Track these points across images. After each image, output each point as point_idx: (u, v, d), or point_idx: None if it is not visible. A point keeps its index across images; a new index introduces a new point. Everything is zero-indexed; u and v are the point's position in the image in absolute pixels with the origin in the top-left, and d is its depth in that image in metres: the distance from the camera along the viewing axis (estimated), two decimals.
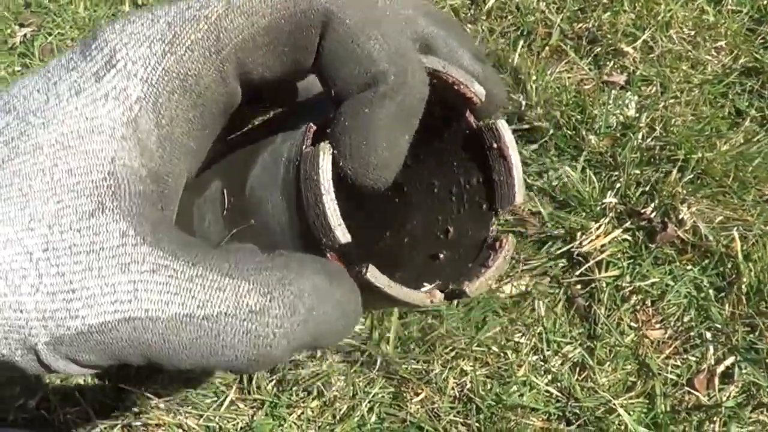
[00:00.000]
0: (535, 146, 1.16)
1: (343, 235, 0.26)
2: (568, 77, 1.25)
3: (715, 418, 0.96)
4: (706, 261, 1.06)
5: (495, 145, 0.31)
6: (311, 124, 0.28)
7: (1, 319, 0.22)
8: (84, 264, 0.22)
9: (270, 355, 0.22)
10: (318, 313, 0.23)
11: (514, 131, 1.19)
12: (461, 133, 0.33)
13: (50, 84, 0.24)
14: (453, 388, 1.05)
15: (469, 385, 1.02)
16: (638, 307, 1.04)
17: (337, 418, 1.01)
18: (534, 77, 1.22)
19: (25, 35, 1.41)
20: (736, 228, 1.04)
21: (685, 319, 1.04)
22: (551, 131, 1.15)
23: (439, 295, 0.28)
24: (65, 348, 0.22)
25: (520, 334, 1.06)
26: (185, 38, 0.24)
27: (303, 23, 0.25)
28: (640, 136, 1.14)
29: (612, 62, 1.24)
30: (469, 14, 1.37)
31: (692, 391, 0.99)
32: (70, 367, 0.23)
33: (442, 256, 0.34)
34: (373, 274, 0.26)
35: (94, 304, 0.21)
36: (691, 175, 1.09)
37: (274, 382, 1.04)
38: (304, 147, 0.27)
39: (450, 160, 0.35)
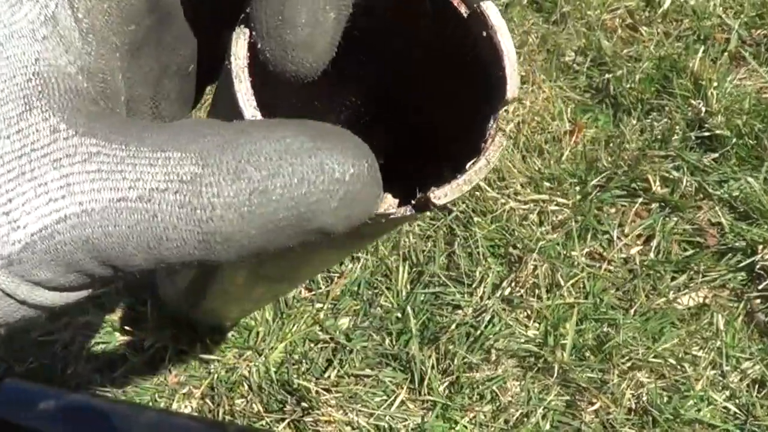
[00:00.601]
0: (715, 155, 1.46)
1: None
2: (749, 84, 1.56)
3: None
4: None
5: (484, 34, 0.36)
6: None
7: None
8: (17, 170, 0.26)
9: (221, 233, 0.25)
10: (288, 180, 0.25)
11: (695, 138, 1.61)
12: (451, 24, 0.38)
13: None
14: (629, 399, 1.30)
15: (645, 397, 1.29)
16: None
17: (510, 423, 1.28)
18: (714, 83, 1.52)
19: None
20: None
21: None
22: (733, 140, 1.46)
23: (391, 201, 0.31)
24: (17, 267, 0.26)
25: (698, 347, 1.34)
26: None
27: None
28: None
29: None
30: (644, 16, 1.70)
31: None
32: (38, 293, 0.28)
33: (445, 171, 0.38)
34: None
35: (31, 210, 0.26)
36: None
37: (446, 384, 1.32)
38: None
39: (442, 56, 0.41)
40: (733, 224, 1.42)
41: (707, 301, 1.38)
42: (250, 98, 0.31)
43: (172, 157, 0.26)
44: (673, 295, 1.38)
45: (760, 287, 1.37)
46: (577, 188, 1.46)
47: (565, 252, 1.41)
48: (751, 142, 1.45)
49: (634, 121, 1.53)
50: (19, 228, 0.26)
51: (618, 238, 1.43)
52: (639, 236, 1.44)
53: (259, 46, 0.31)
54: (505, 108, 0.38)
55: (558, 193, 1.45)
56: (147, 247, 0.26)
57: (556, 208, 1.44)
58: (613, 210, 1.46)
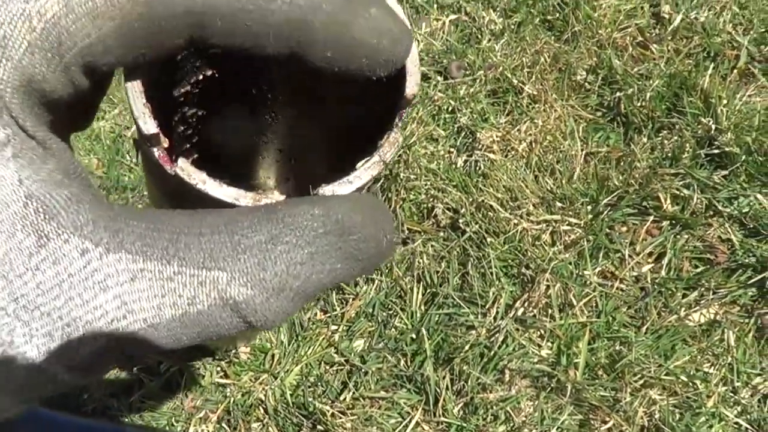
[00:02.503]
0: (725, 172, 1.54)
1: (144, 125, 0.34)
2: (758, 101, 1.63)
3: None
4: None
5: None
6: None
7: (20, 377, 0.30)
8: (63, 297, 0.29)
9: (269, 323, 0.32)
10: (318, 271, 0.32)
11: (705, 156, 1.70)
12: None
13: None
14: (642, 417, 1.37)
15: (658, 415, 1.37)
16: None
17: None
18: (724, 101, 1.60)
19: None
20: None
21: None
22: (743, 157, 1.53)
23: (276, 196, 0.35)
24: (81, 373, 0.31)
25: (709, 364, 1.41)
26: (20, 41, 0.31)
27: (163, 29, 0.33)
28: None
29: None
30: (654, 33, 1.79)
31: None
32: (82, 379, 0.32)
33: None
34: (186, 170, 0.34)
35: (92, 331, 0.30)
36: None
37: (461, 405, 1.40)
38: None
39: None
40: (743, 241, 1.50)
41: (718, 317, 1.47)
42: (140, 99, 0.36)
43: (221, 278, 0.31)
44: (685, 312, 1.47)
45: None
46: (589, 207, 1.55)
47: (577, 271, 1.50)
48: (760, 158, 1.54)
49: (645, 139, 1.62)
50: (80, 346, 0.31)
51: (630, 256, 1.52)
52: (650, 254, 1.53)
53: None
54: (408, 107, 0.40)
55: (570, 212, 1.55)
56: (197, 337, 0.32)
57: (568, 227, 1.54)
58: (624, 228, 1.55)
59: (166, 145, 0.36)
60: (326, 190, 0.36)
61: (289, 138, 0.57)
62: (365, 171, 0.38)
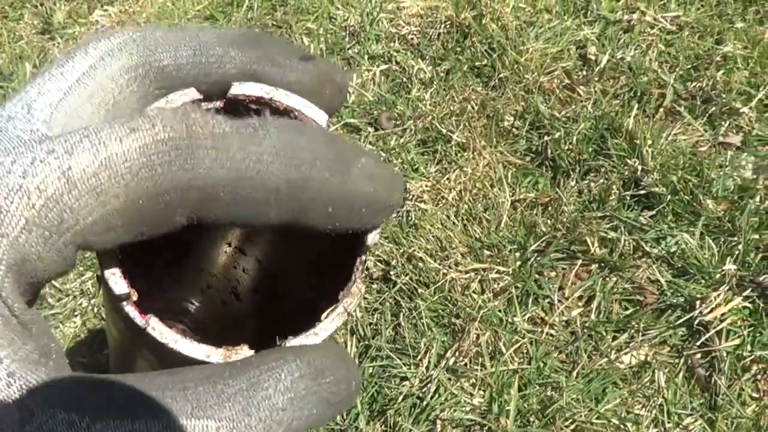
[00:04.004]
0: (652, 212, 1.59)
1: (115, 285, 0.36)
2: (684, 139, 1.69)
3: None
4: None
5: None
6: None
7: None
8: None
9: None
10: (297, 417, 0.34)
11: (632, 197, 1.73)
12: None
13: None
14: None
15: None
16: (759, 377, 1.43)
17: None
18: (650, 141, 1.65)
19: None
20: None
21: None
22: (668, 197, 1.59)
23: (245, 351, 0.37)
24: None
25: (640, 406, 1.45)
26: (18, 217, 0.31)
27: (168, 204, 0.35)
28: (757, 198, 1.56)
29: (727, 122, 1.69)
30: (581, 75, 1.86)
31: None
32: None
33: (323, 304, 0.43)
34: (158, 329, 0.36)
35: None
36: None
37: None
38: None
39: None
40: (671, 281, 1.56)
41: (648, 358, 1.53)
42: (113, 262, 0.37)
43: (209, 427, 0.33)
44: (615, 355, 1.53)
45: (699, 342, 1.52)
46: (517, 254, 1.62)
47: (507, 318, 1.56)
48: (686, 197, 1.61)
49: (573, 183, 1.69)
50: None
51: (559, 301, 1.58)
52: (580, 298, 1.59)
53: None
54: (368, 254, 0.43)
55: (498, 260, 1.61)
56: None
57: (497, 275, 1.60)
58: (553, 273, 1.62)
59: (135, 298, 0.37)
60: (294, 342, 0.38)
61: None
62: (330, 323, 0.40)
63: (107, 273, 0.36)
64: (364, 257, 0.43)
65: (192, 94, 0.41)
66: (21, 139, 0.35)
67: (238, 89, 0.41)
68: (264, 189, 0.37)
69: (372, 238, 0.42)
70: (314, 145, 0.38)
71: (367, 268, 1.69)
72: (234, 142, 0.36)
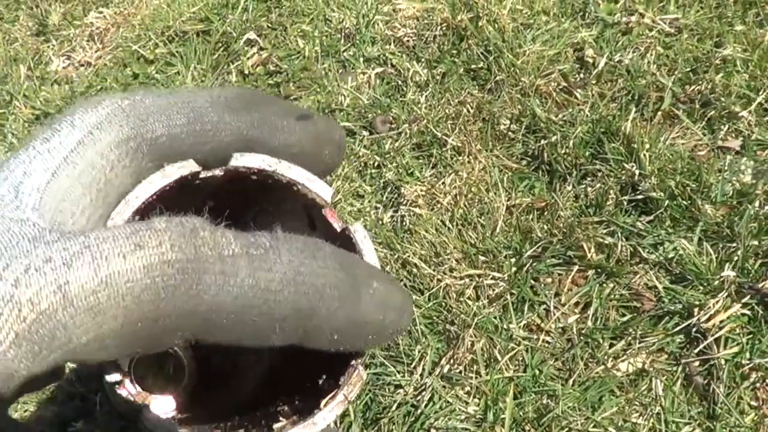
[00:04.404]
0: (649, 218, 1.57)
1: (109, 375, 0.36)
2: (682, 143, 1.67)
3: None
4: None
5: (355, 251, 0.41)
6: None
7: None
8: None
9: None
10: None
11: (629, 202, 1.74)
12: (328, 236, 0.42)
13: None
14: None
15: None
16: (758, 385, 1.42)
17: None
18: (647, 145, 1.63)
19: None
20: None
21: None
22: (666, 202, 1.57)
23: None
24: None
25: (637, 414, 1.43)
26: (6, 329, 0.29)
27: (167, 328, 0.33)
28: (756, 204, 1.54)
29: (726, 126, 1.68)
30: (578, 78, 1.84)
31: None
32: None
33: (321, 382, 0.43)
34: (152, 419, 0.36)
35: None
36: None
37: None
38: None
39: None
40: (669, 287, 1.55)
41: (646, 366, 1.51)
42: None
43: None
44: (612, 362, 1.51)
45: (697, 350, 1.50)
46: (513, 260, 1.60)
47: (502, 325, 1.55)
48: (684, 202, 1.59)
49: (569, 188, 1.67)
50: None
51: (555, 307, 1.56)
52: (576, 304, 1.57)
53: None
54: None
55: (493, 266, 1.59)
56: None
57: (492, 281, 1.58)
58: (549, 280, 1.60)
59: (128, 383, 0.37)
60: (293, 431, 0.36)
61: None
62: (330, 412, 0.39)
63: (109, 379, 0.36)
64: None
65: (190, 166, 0.40)
66: (12, 234, 0.32)
67: (239, 161, 0.41)
68: (270, 318, 0.36)
69: None
70: (326, 270, 0.36)
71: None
72: (243, 266, 0.34)
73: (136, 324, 0.33)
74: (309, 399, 0.42)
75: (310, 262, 0.36)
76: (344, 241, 0.42)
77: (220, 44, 2.07)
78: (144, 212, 0.38)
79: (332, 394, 0.40)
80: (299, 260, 0.35)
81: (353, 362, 0.41)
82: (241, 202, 0.43)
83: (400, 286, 0.40)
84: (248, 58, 2.00)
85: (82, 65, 2.15)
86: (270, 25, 2.07)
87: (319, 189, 0.42)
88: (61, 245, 0.32)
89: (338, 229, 0.43)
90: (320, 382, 0.43)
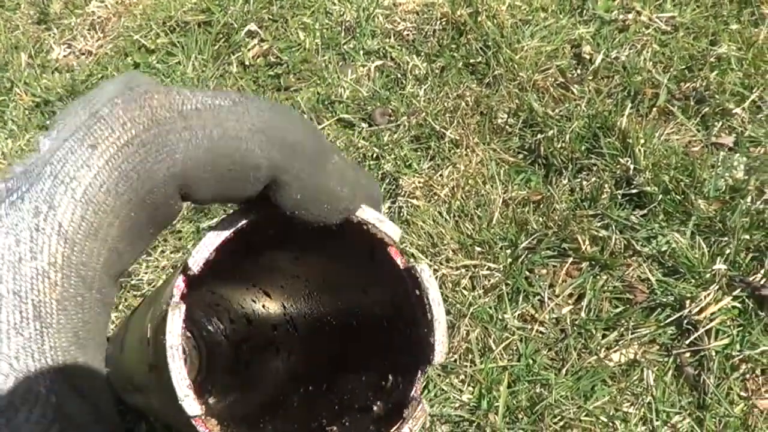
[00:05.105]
0: (643, 211, 1.61)
1: (190, 407, 0.36)
2: (676, 139, 1.71)
3: None
4: None
5: (417, 293, 0.43)
6: (178, 277, 0.40)
7: None
8: None
9: None
10: None
11: (623, 196, 1.77)
12: (389, 271, 0.44)
13: None
14: None
15: None
16: (748, 376, 1.46)
17: None
18: (642, 140, 1.67)
19: None
20: None
21: None
22: (660, 196, 1.60)
23: None
24: None
25: (628, 404, 1.47)
26: (50, 303, 0.32)
27: (159, 202, 0.36)
28: (749, 199, 1.58)
29: (720, 123, 1.71)
30: (575, 74, 1.87)
31: None
32: None
33: (375, 408, 0.45)
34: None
35: None
36: None
37: None
38: (164, 304, 0.39)
39: (384, 299, 0.48)
40: (662, 280, 1.58)
41: (638, 357, 1.55)
42: (184, 379, 0.37)
43: None
44: (604, 353, 1.55)
45: (688, 341, 1.54)
46: (508, 251, 1.64)
47: (497, 315, 1.58)
48: (678, 197, 1.63)
49: (565, 181, 1.71)
50: None
51: (549, 298, 1.60)
52: (570, 295, 1.61)
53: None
54: (426, 371, 0.44)
55: (489, 257, 1.63)
56: None
57: (488, 272, 1.62)
58: (544, 271, 1.64)
59: (202, 411, 0.38)
60: None
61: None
62: None
63: (180, 393, 0.37)
64: (426, 370, 0.43)
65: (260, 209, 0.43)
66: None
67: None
68: (244, 166, 0.38)
69: (439, 356, 0.43)
70: (298, 129, 0.39)
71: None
72: (209, 118, 0.36)
73: (130, 215, 0.35)
74: (359, 423, 0.44)
75: (282, 118, 0.38)
76: (407, 278, 0.44)
77: (221, 35, 2.10)
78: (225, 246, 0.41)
79: (396, 426, 0.41)
80: (269, 115, 0.37)
81: (416, 394, 0.42)
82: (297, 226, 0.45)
83: (361, 168, 0.42)
84: (249, 50, 2.03)
85: (83, 54, 2.18)
86: (271, 17, 2.10)
87: (389, 229, 0.44)
88: (40, 189, 0.34)
89: (401, 266, 0.45)
90: (374, 408, 0.45)
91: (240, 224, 0.42)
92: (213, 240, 0.41)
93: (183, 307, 0.38)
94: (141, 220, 0.37)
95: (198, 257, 0.40)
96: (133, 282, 1.72)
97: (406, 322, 0.45)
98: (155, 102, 0.35)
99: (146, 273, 1.73)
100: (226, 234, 0.41)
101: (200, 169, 0.37)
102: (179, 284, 0.40)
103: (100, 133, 0.34)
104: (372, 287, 0.50)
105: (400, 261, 0.44)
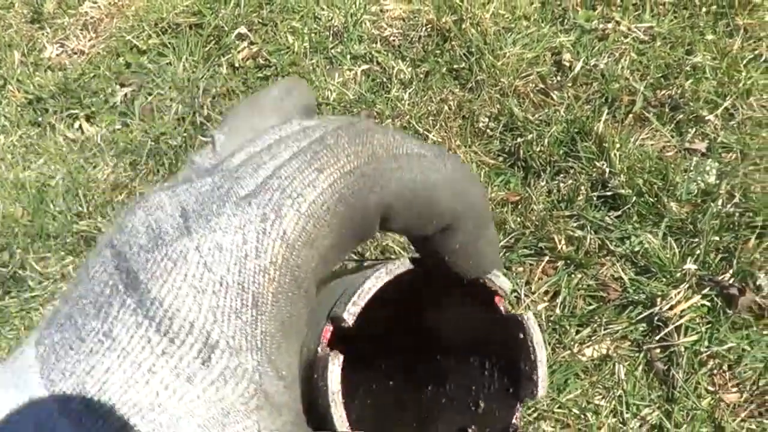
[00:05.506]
0: (617, 213, 1.67)
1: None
2: (651, 144, 1.77)
3: None
4: None
5: (521, 336, 0.48)
6: (328, 326, 0.44)
7: None
8: None
9: None
10: None
11: (598, 198, 1.84)
12: (491, 316, 0.50)
13: (144, 371, 0.36)
14: None
15: None
16: (715, 371, 1.53)
17: None
18: (618, 145, 1.74)
19: (125, 95, 2.06)
20: None
21: (761, 383, 1.52)
22: (634, 198, 1.67)
23: None
24: None
25: (600, 397, 1.54)
26: (266, 294, 0.38)
27: (364, 222, 0.41)
28: (720, 202, 1.64)
29: (694, 129, 1.78)
30: (555, 81, 1.94)
31: None
32: None
33: (470, 430, 0.50)
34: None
35: None
36: None
37: None
38: (318, 348, 0.44)
39: (483, 338, 0.53)
40: (634, 278, 1.65)
41: (610, 352, 1.61)
42: (344, 421, 0.41)
43: None
44: (577, 348, 1.61)
45: (658, 338, 1.60)
46: None
47: None
48: (651, 199, 1.70)
49: (543, 183, 1.78)
50: None
51: (525, 295, 1.67)
52: (546, 293, 1.68)
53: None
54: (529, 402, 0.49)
55: None
56: None
57: None
58: (520, 269, 1.71)
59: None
60: None
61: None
62: None
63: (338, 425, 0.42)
64: (520, 408, 0.49)
65: (407, 264, 0.48)
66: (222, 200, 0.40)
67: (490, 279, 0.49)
68: (431, 212, 0.44)
69: (542, 390, 0.47)
70: (476, 191, 0.45)
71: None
72: (415, 165, 0.43)
73: (341, 232, 0.41)
74: None
75: (467, 177, 0.45)
76: (511, 323, 0.50)
77: (212, 37, 2.17)
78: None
79: None
80: (460, 173, 0.44)
81: (516, 422, 0.48)
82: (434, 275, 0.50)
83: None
84: (239, 52, 2.10)
85: (76, 53, 2.24)
86: (261, 20, 2.17)
87: (503, 284, 0.50)
88: (266, 198, 0.40)
89: (503, 312, 0.51)
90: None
91: (400, 272, 0.48)
92: (373, 288, 0.47)
93: (341, 356, 0.44)
94: (348, 236, 0.42)
95: (354, 309, 0.46)
96: None
97: (506, 359, 0.52)
98: (375, 141, 0.41)
99: None
100: (385, 280, 0.48)
101: (401, 205, 0.43)
102: (327, 335, 0.46)
103: (326, 159, 0.40)
104: (477, 328, 0.56)
105: (502, 308, 0.51)
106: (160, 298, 0.38)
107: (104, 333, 0.38)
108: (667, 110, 1.84)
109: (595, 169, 1.74)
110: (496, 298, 0.50)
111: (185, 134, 2.03)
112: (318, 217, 0.40)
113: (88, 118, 2.10)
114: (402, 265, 0.47)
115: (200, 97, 2.07)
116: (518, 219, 1.71)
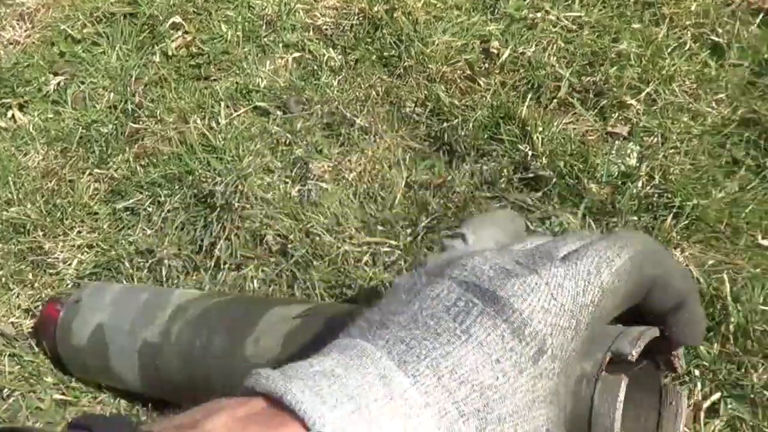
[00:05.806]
0: (538, 194, 1.71)
1: None
2: (574, 128, 1.81)
3: None
4: None
5: (672, 403, 0.64)
6: (608, 355, 0.60)
7: None
8: None
9: None
10: None
11: (520, 180, 1.88)
12: (657, 379, 0.66)
13: (492, 361, 0.51)
14: None
15: None
16: None
17: None
18: (540, 128, 1.78)
19: (58, 83, 2.08)
20: (726, 271, 1.54)
21: None
22: (554, 180, 1.71)
23: None
24: None
25: None
26: (583, 322, 0.54)
27: (644, 285, 0.61)
28: (639, 184, 1.68)
29: (616, 114, 1.83)
30: (483, 68, 1.97)
31: None
32: None
33: None
34: None
35: None
36: (686, 221, 1.63)
37: None
38: (597, 372, 0.59)
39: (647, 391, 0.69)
40: None
41: None
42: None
43: None
44: None
45: None
46: (408, 230, 1.73)
47: None
48: (571, 181, 1.74)
49: (467, 166, 1.82)
50: None
51: None
52: None
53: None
54: None
55: (390, 235, 1.73)
56: None
57: (389, 249, 1.71)
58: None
59: None
60: None
61: None
62: None
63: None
64: None
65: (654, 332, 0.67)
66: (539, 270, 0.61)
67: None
68: (671, 292, 0.66)
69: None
70: (687, 272, 0.89)
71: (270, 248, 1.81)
72: (669, 257, 0.70)
73: (629, 287, 0.62)
74: None
75: (676, 263, 0.75)
76: (665, 391, 0.69)
77: (146, 26, 2.19)
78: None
79: None
80: (675, 262, 0.83)
81: None
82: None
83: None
84: (173, 41, 2.12)
85: (11, 43, 2.26)
86: (195, 9, 2.20)
87: (682, 363, 0.68)
88: (581, 268, 0.62)
89: (680, 371, 0.71)
90: None
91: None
92: (652, 335, 0.65)
93: (627, 380, 0.60)
94: (629, 294, 0.63)
95: (641, 343, 0.63)
96: (49, 260, 1.80)
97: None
98: (646, 269, 0.64)
99: (62, 252, 1.81)
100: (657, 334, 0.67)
101: (662, 282, 0.65)
102: (604, 362, 0.62)
103: (625, 242, 0.64)
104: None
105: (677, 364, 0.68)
106: (521, 309, 0.54)
107: (462, 330, 0.53)
108: (591, 96, 1.88)
109: (517, 152, 1.78)
110: (674, 359, 0.68)
111: (116, 122, 2.05)
112: (621, 277, 0.60)
113: (21, 107, 2.11)
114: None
115: (132, 85, 2.09)
116: (441, 201, 1.74)
